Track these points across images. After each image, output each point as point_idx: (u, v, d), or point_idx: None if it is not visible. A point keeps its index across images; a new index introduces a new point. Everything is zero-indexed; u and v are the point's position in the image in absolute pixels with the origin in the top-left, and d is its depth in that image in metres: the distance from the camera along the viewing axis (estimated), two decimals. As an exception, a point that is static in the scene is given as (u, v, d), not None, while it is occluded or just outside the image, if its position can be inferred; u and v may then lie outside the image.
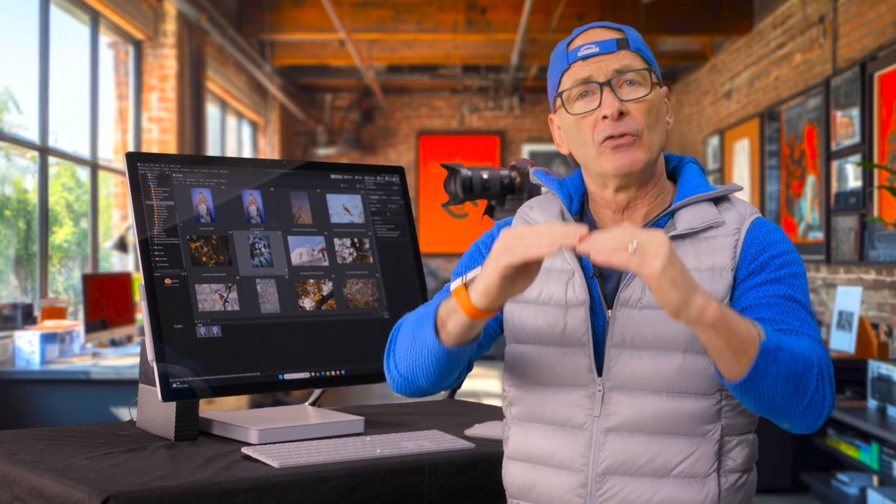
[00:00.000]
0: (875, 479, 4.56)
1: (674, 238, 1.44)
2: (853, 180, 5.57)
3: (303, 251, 1.99)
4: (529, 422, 1.49)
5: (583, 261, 1.49)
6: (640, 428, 1.41)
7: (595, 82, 1.45)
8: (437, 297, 1.51)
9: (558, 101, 1.49)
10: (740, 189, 1.51)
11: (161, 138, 6.62)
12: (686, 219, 1.46)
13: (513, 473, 1.51)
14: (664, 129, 1.49)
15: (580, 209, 1.56)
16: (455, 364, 1.44)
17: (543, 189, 1.87)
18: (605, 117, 1.44)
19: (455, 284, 1.39)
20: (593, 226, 1.54)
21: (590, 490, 1.42)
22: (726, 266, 1.43)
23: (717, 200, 1.50)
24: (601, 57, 1.45)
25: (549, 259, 1.49)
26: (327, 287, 2.00)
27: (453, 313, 1.38)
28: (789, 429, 1.38)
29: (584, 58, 1.46)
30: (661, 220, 1.48)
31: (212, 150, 8.33)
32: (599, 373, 1.43)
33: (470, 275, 1.38)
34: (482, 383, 7.94)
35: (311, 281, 1.98)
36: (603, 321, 1.45)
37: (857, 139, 5.44)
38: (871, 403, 4.53)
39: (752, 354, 1.27)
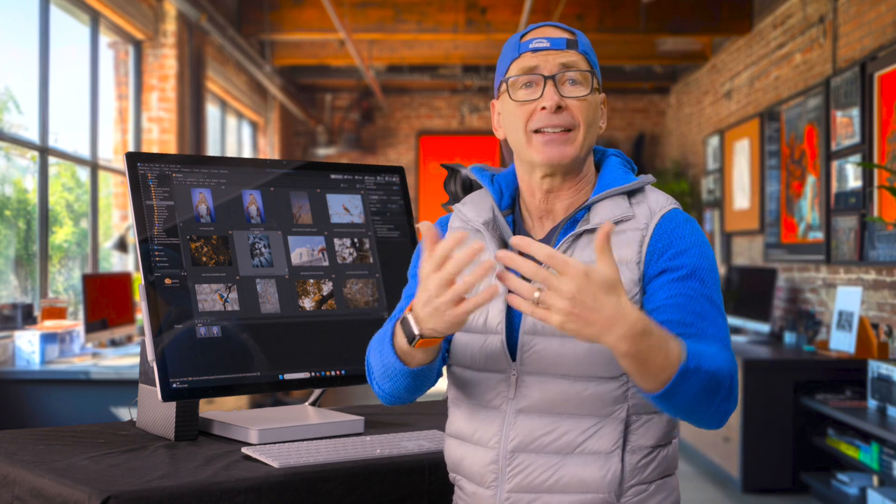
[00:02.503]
0: (875, 479, 4.56)
1: (586, 232, 1.51)
2: (853, 180, 5.57)
3: (303, 251, 1.99)
4: (460, 402, 1.59)
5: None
6: (548, 409, 1.49)
7: (540, 74, 1.53)
8: (395, 313, 1.62)
9: (503, 87, 1.58)
10: (652, 181, 1.58)
11: (161, 138, 6.62)
12: (600, 214, 1.53)
13: (448, 448, 1.62)
14: (596, 131, 1.58)
15: (511, 203, 1.64)
16: (429, 374, 1.54)
17: None
18: (543, 108, 1.52)
19: (405, 332, 1.46)
20: (519, 222, 1.61)
21: (500, 465, 1.51)
22: (631, 260, 1.49)
23: (633, 193, 1.56)
24: (550, 52, 1.54)
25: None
26: (327, 287, 2.00)
27: (407, 348, 1.46)
28: (696, 425, 1.45)
29: (535, 50, 1.55)
30: (579, 214, 1.55)
31: (212, 150, 8.33)
32: (514, 358, 1.52)
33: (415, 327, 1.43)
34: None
35: (311, 281, 1.98)
36: None
37: (857, 139, 5.44)
38: (871, 403, 4.53)
39: (668, 376, 1.33)
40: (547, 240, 1.56)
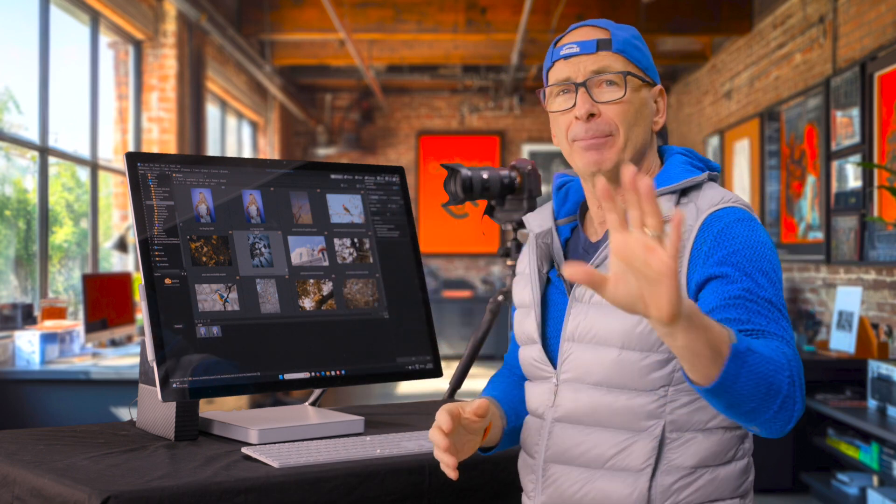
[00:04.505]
0: (875, 479, 4.56)
1: None
2: (853, 180, 5.57)
3: (303, 251, 1.99)
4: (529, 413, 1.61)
5: (554, 263, 1.58)
6: (579, 419, 1.47)
7: (572, 82, 1.50)
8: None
9: (545, 97, 1.56)
10: (702, 179, 1.47)
11: (161, 138, 6.62)
12: None
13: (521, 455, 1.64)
14: (646, 129, 1.52)
15: (576, 209, 1.62)
16: (510, 436, 1.63)
17: None
18: (577, 118, 1.49)
19: None
20: (583, 226, 1.59)
21: (538, 475, 1.51)
22: None
23: (687, 191, 1.48)
24: (580, 57, 1.50)
25: (519, 265, 1.65)
26: (327, 287, 2.00)
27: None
28: (758, 433, 1.31)
29: (566, 57, 1.51)
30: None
31: (212, 150, 8.33)
32: (555, 366, 1.51)
33: None
34: (482, 383, 7.92)
35: (311, 281, 1.98)
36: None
37: (857, 139, 5.44)
38: (871, 403, 4.53)
39: (723, 359, 1.19)
40: (603, 240, 1.51)
